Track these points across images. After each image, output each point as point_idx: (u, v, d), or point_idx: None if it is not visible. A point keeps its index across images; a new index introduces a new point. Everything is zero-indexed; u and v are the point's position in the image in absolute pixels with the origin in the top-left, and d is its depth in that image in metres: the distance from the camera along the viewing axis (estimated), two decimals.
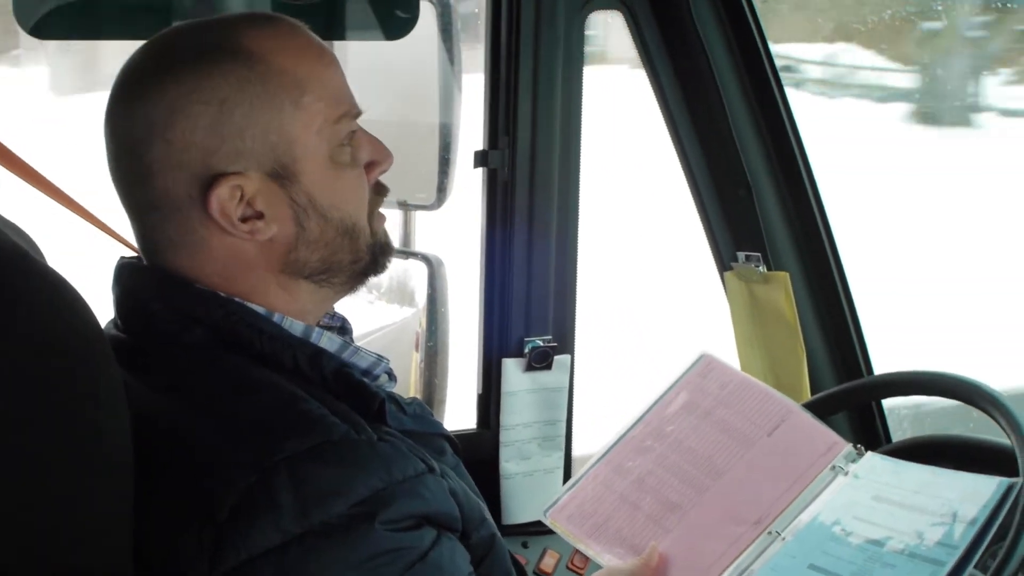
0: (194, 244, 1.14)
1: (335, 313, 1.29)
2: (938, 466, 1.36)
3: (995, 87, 6.58)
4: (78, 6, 1.68)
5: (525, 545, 1.94)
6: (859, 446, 1.40)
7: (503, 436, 1.94)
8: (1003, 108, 6.37)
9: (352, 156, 1.17)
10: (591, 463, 1.48)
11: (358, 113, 1.19)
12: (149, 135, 1.11)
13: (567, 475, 1.97)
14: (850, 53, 6.54)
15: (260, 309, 1.15)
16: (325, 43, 1.19)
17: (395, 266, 1.26)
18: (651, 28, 1.93)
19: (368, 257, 1.20)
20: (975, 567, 1.23)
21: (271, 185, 1.13)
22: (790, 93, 1.99)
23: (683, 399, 1.49)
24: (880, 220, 4.97)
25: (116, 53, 1.28)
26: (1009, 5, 5.86)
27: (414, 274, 2.15)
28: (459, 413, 2.05)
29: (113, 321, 1.20)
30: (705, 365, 1.51)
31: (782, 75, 1.98)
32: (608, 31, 2.27)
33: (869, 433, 2.05)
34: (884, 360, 2.09)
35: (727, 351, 1.99)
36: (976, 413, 1.50)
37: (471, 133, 1.93)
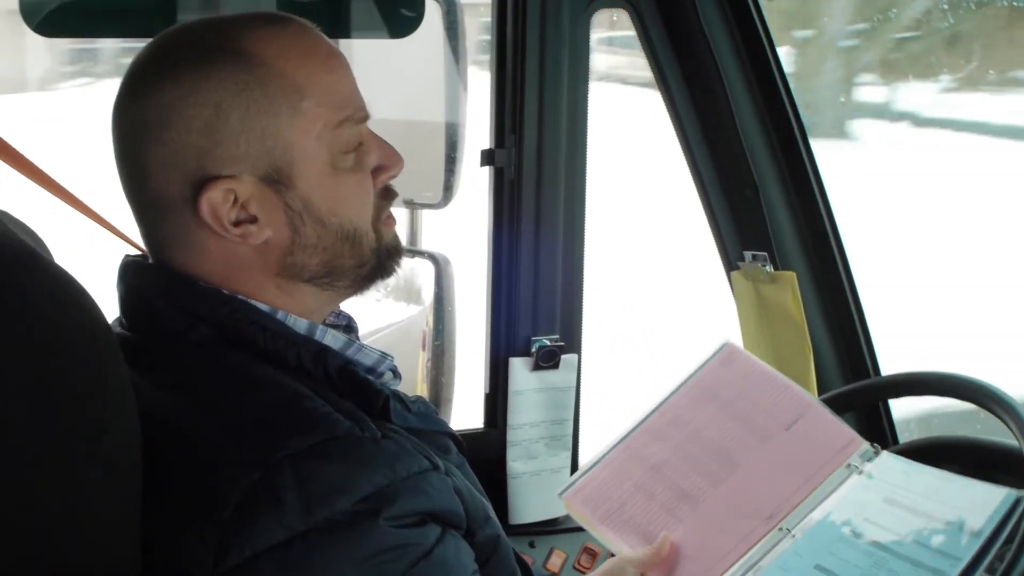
0: (192, 244, 1.14)
1: (341, 312, 1.29)
2: (946, 468, 1.36)
3: (871, 96, 6.53)
4: (85, 4, 1.68)
5: (532, 545, 1.94)
6: (876, 445, 1.39)
7: (510, 435, 1.94)
8: (880, 115, 6.30)
9: (358, 160, 1.16)
10: (608, 447, 1.48)
11: (364, 117, 1.17)
12: (146, 134, 1.11)
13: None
14: None
15: (264, 307, 1.15)
16: (332, 43, 1.18)
17: (402, 265, 1.25)
18: (657, 27, 1.93)
19: (374, 261, 1.19)
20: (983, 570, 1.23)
21: (265, 190, 1.12)
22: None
23: (703, 387, 1.48)
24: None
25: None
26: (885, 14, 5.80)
27: (421, 273, 2.15)
28: (466, 412, 2.05)
29: (118, 319, 1.20)
30: (727, 354, 1.51)
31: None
32: None
33: (876, 434, 2.05)
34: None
35: None
36: (984, 414, 1.49)
37: (478, 131, 1.93)
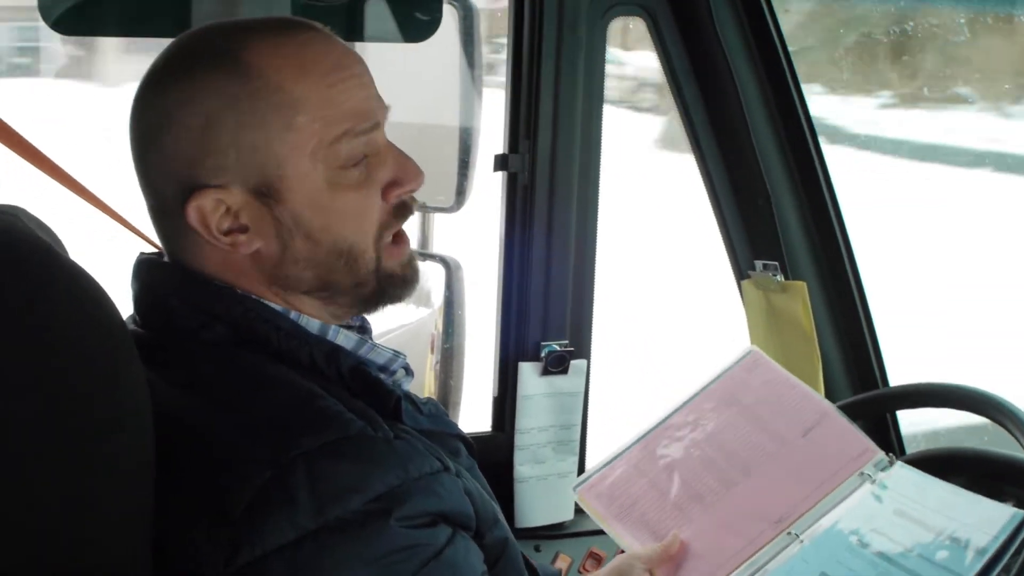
0: (194, 247, 1.14)
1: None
2: (953, 480, 1.36)
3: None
4: (103, 2, 1.68)
5: (538, 549, 1.94)
6: (891, 455, 1.39)
7: (518, 439, 1.95)
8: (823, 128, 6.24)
9: (367, 175, 1.14)
10: (626, 444, 1.48)
11: (369, 128, 1.14)
12: (148, 137, 1.13)
13: None
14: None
15: (277, 306, 1.15)
16: (349, 47, 1.16)
17: (411, 293, 1.22)
18: (672, 34, 1.94)
19: (373, 284, 1.17)
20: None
21: (255, 202, 1.12)
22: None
23: (725, 391, 1.49)
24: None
25: None
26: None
27: (431, 276, 2.15)
28: (474, 416, 2.06)
29: (132, 316, 1.20)
30: (752, 361, 1.52)
31: None
32: None
33: (883, 445, 2.04)
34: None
35: None
36: (992, 426, 1.49)
37: (492, 136, 1.94)
